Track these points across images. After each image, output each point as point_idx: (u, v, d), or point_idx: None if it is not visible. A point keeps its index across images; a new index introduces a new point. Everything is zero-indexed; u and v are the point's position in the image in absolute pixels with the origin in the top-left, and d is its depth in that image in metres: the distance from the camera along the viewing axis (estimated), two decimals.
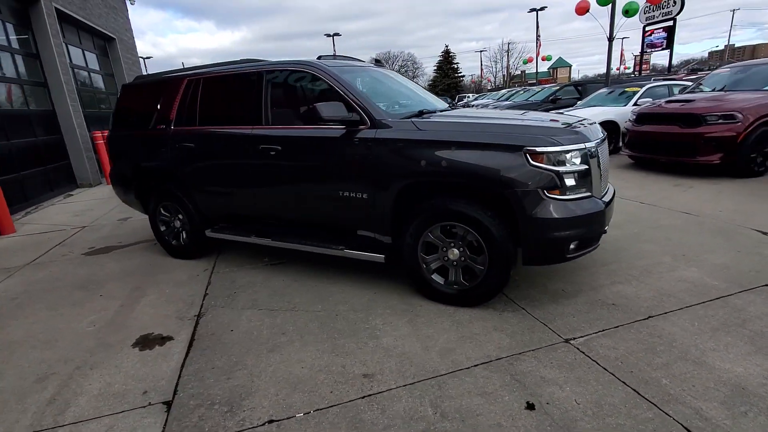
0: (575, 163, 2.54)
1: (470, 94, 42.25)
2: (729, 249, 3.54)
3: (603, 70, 17.57)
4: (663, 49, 19.68)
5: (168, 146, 3.90)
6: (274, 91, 3.41)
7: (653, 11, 21.80)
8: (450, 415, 1.93)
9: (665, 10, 21.40)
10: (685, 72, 20.88)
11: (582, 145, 2.56)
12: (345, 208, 3.13)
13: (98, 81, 11.19)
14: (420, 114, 3.13)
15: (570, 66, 67.88)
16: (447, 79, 56.62)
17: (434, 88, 55.35)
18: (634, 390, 2.01)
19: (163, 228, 4.30)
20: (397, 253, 3.05)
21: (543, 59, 37.45)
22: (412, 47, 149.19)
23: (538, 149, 2.48)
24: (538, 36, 32.25)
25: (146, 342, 2.75)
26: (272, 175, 3.39)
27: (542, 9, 33.51)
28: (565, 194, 2.53)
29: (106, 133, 8.11)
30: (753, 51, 73.58)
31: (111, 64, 12.06)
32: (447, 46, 60.15)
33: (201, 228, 3.99)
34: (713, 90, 6.97)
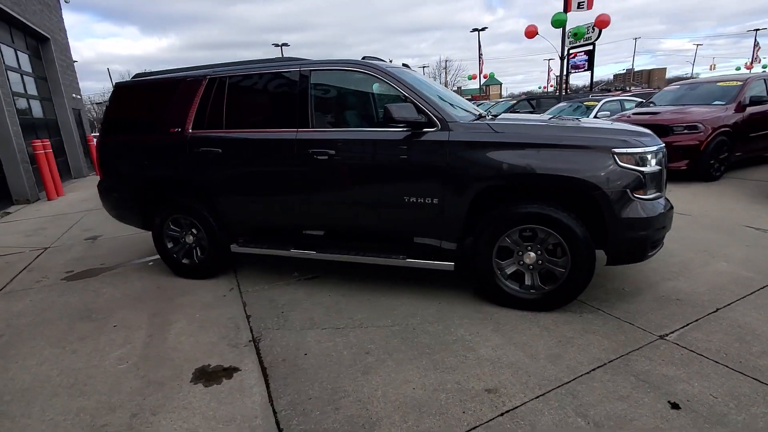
0: (652, 164, 2.63)
1: None
2: (739, 244, 3.88)
3: (527, 88, 18.88)
4: (585, 70, 21.82)
5: (184, 152, 3.45)
6: (322, 92, 3.18)
7: (574, 40, 24.23)
8: (604, 423, 1.85)
9: (586, 35, 23.88)
10: (597, 90, 23.28)
11: (657, 147, 2.67)
12: (409, 214, 2.96)
13: (31, 85, 9.83)
14: (480, 117, 3.07)
15: (500, 84, 72.56)
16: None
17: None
18: (756, 379, 2.08)
19: (170, 245, 3.79)
20: (464, 259, 2.94)
21: (485, 77, 39.68)
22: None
23: (627, 150, 2.53)
24: (480, 54, 34.22)
25: (208, 376, 2.36)
26: (322, 181, 3.12)
27: (484, 29, 35.66)
28: (646, 194, 2.60)
29: (92, 139, 7.05)
30: (649, 74, 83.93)
31: (44, 67, 10.69)
32: (390, 61, 61.30)
33: (224, 243, 3.57)
34: (668, 105, 7.77)
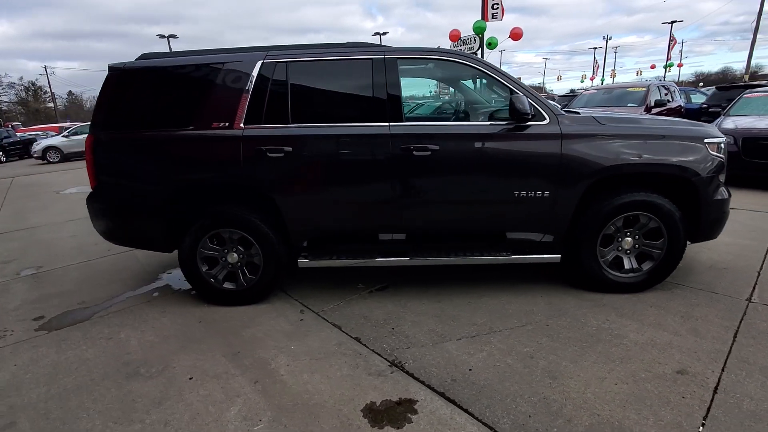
0: (724, 152, 3.01)
1: None
2: None
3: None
4: None
5: (235, 152, 2.82)
6: (411, 82, 2.89)
7: (460, 45, 26.57)
8: None
9: (468, 45, 26.34)
10: None
11: (726, 137, 3.06)
12: (517, 209, 2.89)
13: None
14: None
15: None
16: None
17: None
18: None
19: (205, 267, 3.06)
20: (566, 250, 2.98)
21: None
22: None
23: (713, 140, 2.85)
24: None
25: (384, 415, 1.96)
26: (419, 179, 2.84)
27: (385, 34, 36.62)
28: (723, 179, 2.96)
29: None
30: None
31: None
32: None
33: (284, 259, 3.01)
34: (587, 107, 9.00)
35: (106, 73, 2.97)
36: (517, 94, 2.72)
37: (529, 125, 2.79)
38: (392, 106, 2.82)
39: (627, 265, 3.01)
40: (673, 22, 36.31)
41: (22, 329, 2.94)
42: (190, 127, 2.86)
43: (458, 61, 2.89)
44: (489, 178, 2.86)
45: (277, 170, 2.84)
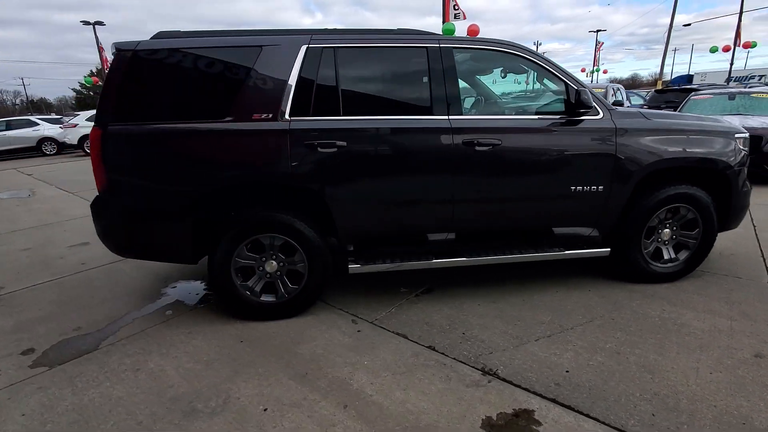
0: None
1: None
2: None
3: None
4: None
5: (282, 147, 2.49)
6: (468, 73, 2.75)
7: None
8: None
9: None
10: None
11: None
12: (570, 204, 2.86)
13: None
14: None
15: None
16: None
17: None
18: None
19: (239, 279, 2.68)
20: (612, 243, 3.02)
21: None
22: None
23: (742, 135, 3.03)
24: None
25: (504, 428, 1.81)
26: (478, 175, 2.71)
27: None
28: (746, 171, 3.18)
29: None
30: None
31: None
32: None
33: (330, 265, 2.73)
34: None
35: (114, 53, 2.48)
36: (581, 88, 2.69)
37: (585, 119, 2.78)
38: (452, 98, 2.66)
39: (666, 256, 3.12)
40: (598, 31, 39.84)
41: (12, 367, 2.37)
42: (227, 119, 2.48)
43: (515, 53, 2.79)
44: (548, 173, 2.80)
45: (329, 167, 2.56)
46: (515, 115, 2.90)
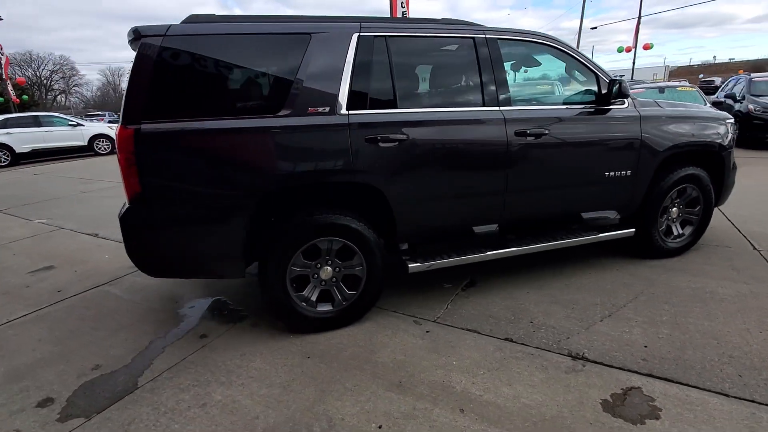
0: None
1: None
2: None
3: None
4: None
5: (345, 142, 2.30)
6: (512, 65, 2.75)
7: None
8: None
9: None
10: None
11: None
12: (605, 189, 3.02)
13: None
14: None
15: None
16: None
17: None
18: None
19: (293, 290, 2.43)
20: (635, 224, 3.24)
21: None
22: (58, 49, 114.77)
23: (730, 120, 3.41)
24: None
25: (625, 409, 1.85)
26: (526, 166, 2.74)
27: None
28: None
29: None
30: None
31: None
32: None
33: (384, 268, 2.59)
34: None
35: (136, 40, 2.11)
36: (616, 78, 2.83)
37: (613, 108, 2.95)
38: (501, 89, 2.66)
39: (675, 232, 3.43)
40: None
41: (35, 426, 1.91)
42: (282, 114, 2.23)
43: (553, 45, 2.86)
44: (586, 160, 2.92)
45: (390, 162, 2.42)
46: (549, 105, 2.98)
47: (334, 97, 2.32)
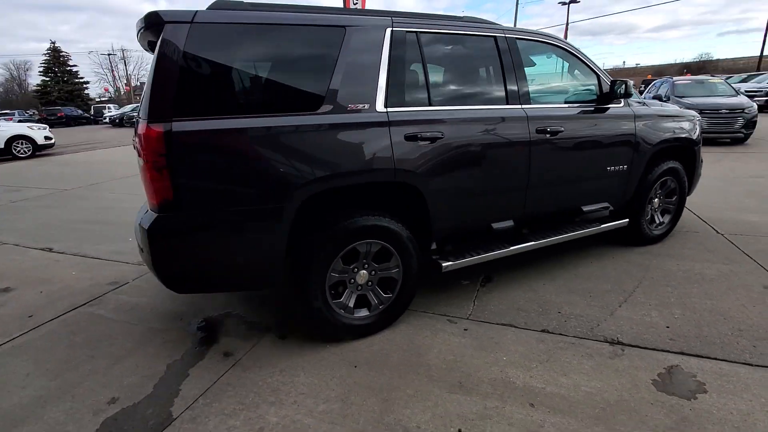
0: None
1: (112, 106, 35.04)
2: None
3: None
4: None
5: (386, 140, 2.22)
6: (527, 64, 2.82)
7: None
8: None
9: None
10: None
11: None
12: (605, 183, 3.22)
13: None
14: None
15: None
16: (65, 85, 42.90)
17: (47, 95, 41.46)
18: None
19: (331, 297, 2.31)
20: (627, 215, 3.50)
21: None
22: None
23: (698, 118, 3.79)
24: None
25: (672, 388, 1.98)
26: (545, 163, 2.84)
27: None
28: None
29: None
30: None
31: None
32: (54, 43, 44.13)
33: (419, 268, 2.54)
34: None
35: (149, 26, 1.86)
36: (621, 79, 3.03)
37: (611, 107, 3.15)
38: (522, 87, 2.72)
39: (657, 221, 3.75)
40: None
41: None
42: (323, 111, 2.09)
43: (560, 46, 3.00)
44: (593, 156, 3.10)
45: (428, 160, 2.37)
46: (560, 103, 3.11)
47: (373, 94, 2.23)
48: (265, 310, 2.88)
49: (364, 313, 2.45)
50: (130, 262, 3.80)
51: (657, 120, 3.40)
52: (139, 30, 2.03)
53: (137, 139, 1.89)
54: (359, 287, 2.43)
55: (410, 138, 2.30)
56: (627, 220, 3.46)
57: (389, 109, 2.27)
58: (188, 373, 2.22)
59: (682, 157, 3.72)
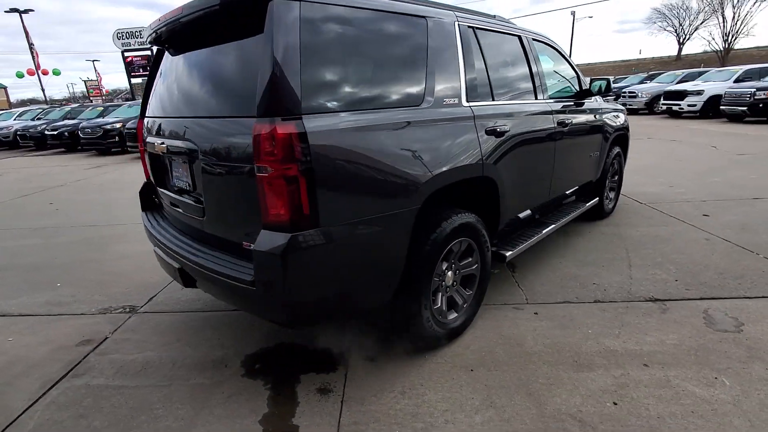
0: None
1: None
2: None
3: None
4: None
5: (475, 134, 2.17)
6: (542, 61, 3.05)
7: (128, 38, 23.10)
8: None
9: (140, 39, 23.16)
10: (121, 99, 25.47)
11: None
12: (587, 167, 3.69)
13: None
14: None
15: (5, 87, 54.50)
16: None
17: None
18: None
19: (436, 302, 2.17)
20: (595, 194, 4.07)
21: (45, 72, 28.28)
22: None
23: (624, 109, 4.61)
24: (31, 44, 24.62)
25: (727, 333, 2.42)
26: (563, 153, 3.13)
27: (27, 12, 25.21)
28: None
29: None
30: None
31: None
32: None
33: (490, 261, 2.57)
34: None
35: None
36: (606, 77, 3.49)
37: (591, 101, 3.64)
38: (544, 83, 2.95)
39: (609, 197, 4.45)
40: None
41: None
42: (425, 105, 1.94)
43: (554, 47, 3.32)
44: (586, 144, 3.54)
45: (502, 154, 2.41)
46: (562, 98, 3.45)
47: (458, 87, 2.16)
48: (317, 333, 2.54)
49: (453, 315, 2.37)
50: (85, 313, 2.93)
51: (612, 112, 4.05)
52: (199, 11, 1.59)
53: (254, 142, 1.47)
54: (447, 289, 2.33)
55: (490, 132, 2.30)
56: (597, 198, 4.03)
57: (470, 104, 2.23)
58: (297, 425, 1.84)
59: (621, 143, 4.50)
